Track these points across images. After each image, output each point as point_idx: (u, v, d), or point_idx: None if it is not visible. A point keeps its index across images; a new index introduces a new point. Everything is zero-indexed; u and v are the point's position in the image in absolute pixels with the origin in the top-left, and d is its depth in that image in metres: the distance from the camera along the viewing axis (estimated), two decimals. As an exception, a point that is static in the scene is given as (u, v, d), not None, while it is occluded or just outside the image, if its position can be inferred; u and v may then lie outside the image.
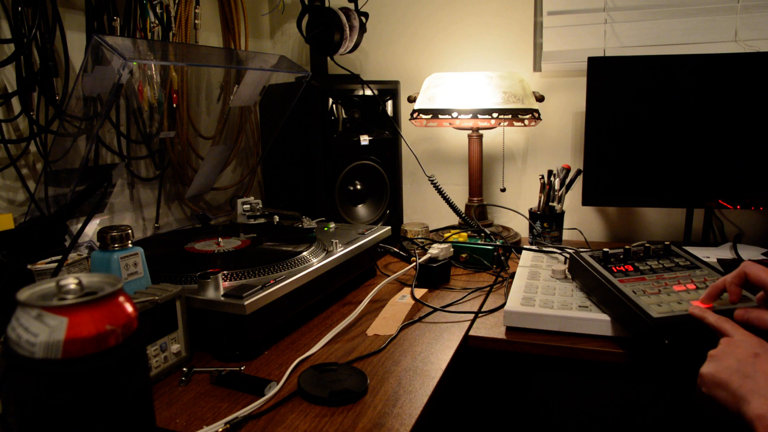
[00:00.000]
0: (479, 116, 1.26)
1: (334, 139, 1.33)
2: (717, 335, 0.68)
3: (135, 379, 0.45)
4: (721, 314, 0.70)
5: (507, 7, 1.46)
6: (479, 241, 1.25)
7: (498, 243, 1.22)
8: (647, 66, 1.25)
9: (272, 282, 0.84)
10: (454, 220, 1.45)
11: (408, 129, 1.51)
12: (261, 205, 1.28)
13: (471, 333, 0.89)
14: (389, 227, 1.21)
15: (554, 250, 1.15)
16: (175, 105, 1.21)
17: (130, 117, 1.16)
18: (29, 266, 0.76)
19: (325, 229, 1.18)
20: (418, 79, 1.46)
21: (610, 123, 1.28)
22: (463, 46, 1.52)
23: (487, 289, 1.07)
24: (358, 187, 1.40)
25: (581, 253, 0.93)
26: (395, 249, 1.23)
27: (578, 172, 1.32)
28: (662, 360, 0.79)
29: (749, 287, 0.72)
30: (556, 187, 1.29)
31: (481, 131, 1.40)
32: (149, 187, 1.27)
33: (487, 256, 1.20)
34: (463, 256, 1.21)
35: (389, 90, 1.41)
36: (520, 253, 1.18)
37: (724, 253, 1.22)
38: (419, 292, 1.06)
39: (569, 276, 0.99)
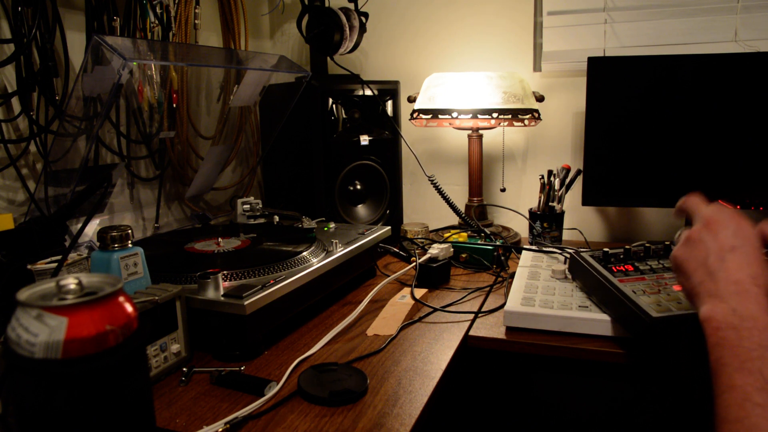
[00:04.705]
0: (479, 116, 1.26)
1: (334, 139, 1.33)
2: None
3: (135, 379, 0.45)
4: None
5: (507, 7, 1.46)
6: (479, 241, 1.25)
7: (498, 243, 1.22)
8: (647, 66, 1.25)
9: (272, 282, 0.84)
10: (454, 220, 1.45)
11: (408, 129, 1.51)
12: (261, 205, 1.28)
13: (471, 333, 0.89)
14: (389, 227, 1.21)
15: (554, 250, 1.15)
16: (175, 105, 1.21)
17: (130, 117, 1.16)
18: (29, 266, 0.76)
19: (325, 229, 1.18)
20: (418, 79, 1.46)
21: (610, 123, 1.28)
22: (463, 46, 1.52)
23: (487, 289, 1.07)
24: (358, 187, 1.40)
25: (581, 253, 0.93)
26: (395, 249, 1.23)
27: (578, 172, 1.32)
28: (662, 360, 0.79)
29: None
30: (556, 187, 1.29)
31: (481, 131, 1.40)
32: (149, 187, 1.27)
33: (487, 256, 1.20)
34: (463, 256, 1.21)
35: (389, 90, 1.41)
36: (520, 253, 1.18)
37: (724, 253, 1.22)
38: (419, 292, 1.06)
39: (569, 276, 0.99)
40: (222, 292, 0.79)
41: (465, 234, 1.30)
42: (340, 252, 1.01)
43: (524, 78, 1.34)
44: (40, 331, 0.40)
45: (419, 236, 1.30)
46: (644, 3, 1.35)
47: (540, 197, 1.30)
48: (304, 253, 0.96)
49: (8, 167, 0.98)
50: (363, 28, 1.37)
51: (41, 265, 0.76)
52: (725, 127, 1.22)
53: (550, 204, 1.29)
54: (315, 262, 0.95)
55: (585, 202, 1.33)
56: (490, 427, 1.41)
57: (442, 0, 1.51)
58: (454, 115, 1.27)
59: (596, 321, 0.84)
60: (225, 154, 1.35)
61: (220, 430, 0.62)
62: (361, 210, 1.41)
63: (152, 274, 0.81)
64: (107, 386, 0.42)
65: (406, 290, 1.07)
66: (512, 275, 1.06)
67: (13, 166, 0.98)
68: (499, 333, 0.89)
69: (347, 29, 1.32)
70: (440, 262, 1.11)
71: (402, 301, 1.02)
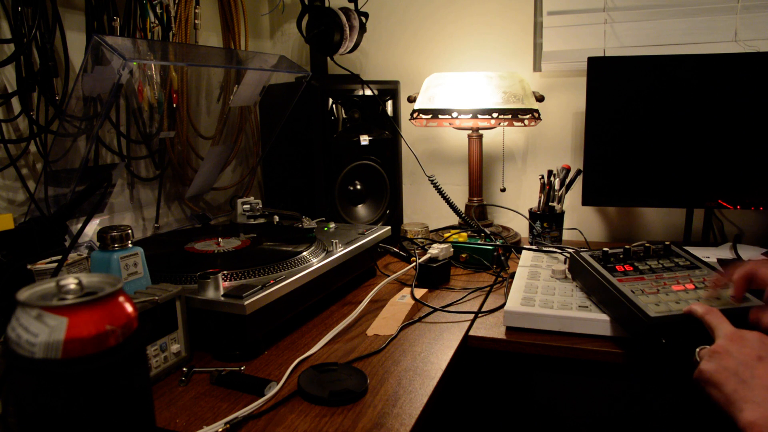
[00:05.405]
0: (479, 116, 1.26)
1: (334, 139, 1.33)
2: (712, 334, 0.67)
3: (135, 379, 0.45)
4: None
5: (507, 7, 1.46)
6: (479, 241, 1.25)
7: (498, 243, 1.22)
8: (647, 66, 1.25)
9: (272, 282, 0.84)
10: (454, 220, 1.45)
11: (408, 129, 1.51)
12: (261, 205, 1.28)
13: (471, 333, 0.89)
14: (389, 227, 1.21)
15: (554, 250, 1.15)
16: (175, 105, 1.21)
17: (130, 117, 1.16)
18: (29, 266, 0.76)
19: (325, 229, 1.18)
20: (418, 79, 1.46)
21: (610, 123, 1.28)
22: (463, 46, 1.52)
23: (487, 289, 1.07)
24: (358, 187, 1.40)
25: (581, 253, 0.93)
26: (395, 249, 1.23)
27: (578, 172, 1.32)
28: (660, 359, 0.79)
29: (753, 287, 0.71)
30: (556, 187, 1.29)
31: (481, 131, 1.40)
32: (149, 187, 1.27)
33: (487, 256, 1.20)
34: (463, 256, 1.21)
35: (389, 90, 1.41)
36: (520, 253, 1.18)
37: (724, 253, 1.22)
38: (419, 292, 1.07)
39: (569, 276, 0.99)
40: (222, 292, 0.79)
41: (465, 234, 1.30)
42: (340, 252, 1.01)
43: (524, 78, 1.34)
44: (40, 331, 0.40)
45: (419, 236, 1.30)
46: (644, 3, 1.35)
47: (540, 197, 1.30)
48: (304, 253, 0.96)
49: (8, 167, 0.98)
50: (363, 28, 1.37)
51: (41, 265, 0.76)
52: (725, 126, 1.22)
53: (550, 204, 1.29)
54: (315, 262, 0.95)
55: (585, 202, 1.33)
56: (489, 427, 1.41)
57: (442, 0, 1.51)
58: (454, 115, 1.27)
59: (596, 321, 0.84)
60: (225, 154, 1.35)
61: (220, 430, 0.62)
62: (361, 210, 1.41)
63: (152, 274, 0.81)
64: (107, 386, 0.42)
65: (406, 290, 1.07)
66: (512, 275, 1.06)
67: (13, 166, 0.98)
68: (499, 333, 0.89)
69: (347, 29, 1.32)
70: (440, 262, 1.11)
71: (402, 301, 1.02)
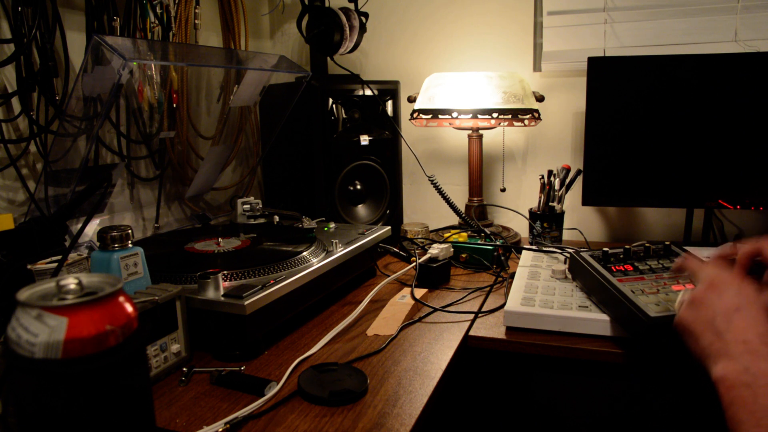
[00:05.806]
0: (479, 116, 1.26)
1: (334, 139, 1.33)
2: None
3: (135, 379, 0.45)
4: None
5: (507, 7, 1.46)
6: (479, 241, 1.25)
7: (498, 243, 1.22)
8: (647, 66, 1.25)
9: (272, 282, 0.84)
10: (454, 220, 1.45)
11: (408, 129, 1.51)
12: (261, 205, 1.28)
13: (471, 333, 0.89)
14: (389, 227, 1.21)
15: (554, 250, 1.15)
16: (175, 105, 1.21)
17: (130, 117, 1.16)
18: (29, 266, 0.76)
19: (325, 229, 1.18)
20: (418, 79, 1.46)
21: (610, 123, 1.28)
22: (463, 46, 1.52)
23: (487, 289, 1.07)
24: (358, 187, 1.40)
25: (581, 253, 0.93)
26: (395, 249, 1.23)
27: (578, 172, 1.32)
28: (660, 359, 0.79)
29: (757, 268, 0.69)
30: (556, 187, 1.29)
31: (481, 131, 1.40)
32: (149, 187, 1.27)
33: (487, 256, 1.20)
34: (463, 256, 1.21)
35: (389, 90, 1.41)
36: (520, 253, 1.18)
37: (724, 253, 1.22)
38: (419, 292, 1.07)
39: (569, 276, 0.99)
40: (222, 292, 0.79)
41: (465, 234, 1.30)
42: (340, 252, 1.01)
43: (524, 78, 1.34)
44: (40, 331, 0.40)
45: (419, 236, 1.30)
46: (644, 3, 1.35)
47: (540, 197, 1.30)
48: (304, 253, 0.96)
49: (8, 167, 0.98)
50: (363, 28, 1.37)
51: (41, 265, 0.76)
52: (725, 127, 1.22)
53: (550, 204, 1.29)
54: (315, 262, 0.95)
55: (585, 202, 1.33)
56: (489, 428, 1.41)
57: (442, 0, 1.51)
58: (454, 115, 1.27)
59: (596, 321, 0.84)
60: (225, 154, 1.35)
61: (220, 430, 0.62)
62: (361, 210, 1.41)
63: (152, 274, 0.81)
64: (107, 386, 0.42)
65: (406, 290, 1.07)
66: (512, 275, 1.06)
67: (13, 166, 0.98)
68: (499, 333, 0.89)
69: (347, 29, 1.32)
70: (440, 262, 1.11)
71: (402, 301, 1.02)
